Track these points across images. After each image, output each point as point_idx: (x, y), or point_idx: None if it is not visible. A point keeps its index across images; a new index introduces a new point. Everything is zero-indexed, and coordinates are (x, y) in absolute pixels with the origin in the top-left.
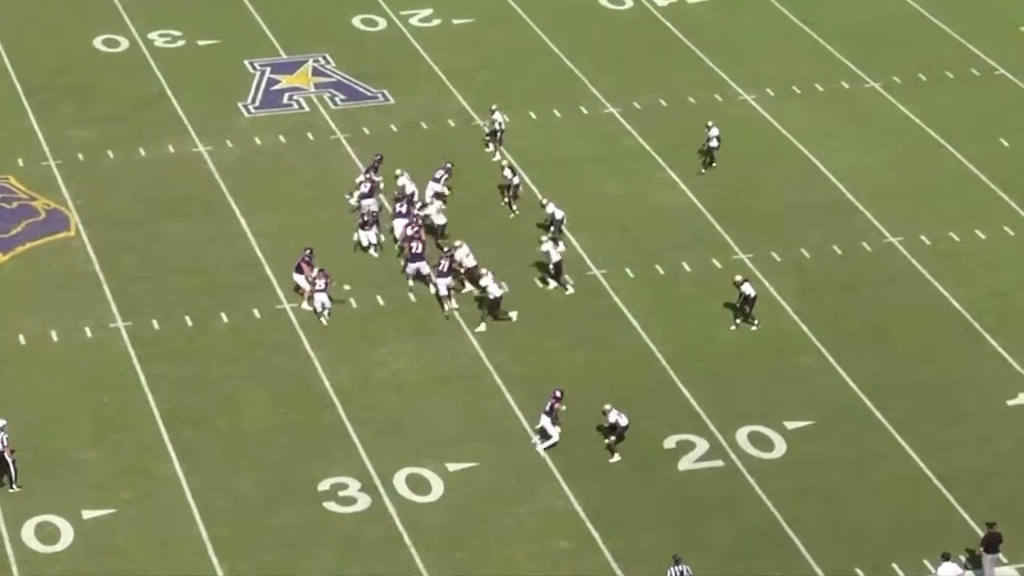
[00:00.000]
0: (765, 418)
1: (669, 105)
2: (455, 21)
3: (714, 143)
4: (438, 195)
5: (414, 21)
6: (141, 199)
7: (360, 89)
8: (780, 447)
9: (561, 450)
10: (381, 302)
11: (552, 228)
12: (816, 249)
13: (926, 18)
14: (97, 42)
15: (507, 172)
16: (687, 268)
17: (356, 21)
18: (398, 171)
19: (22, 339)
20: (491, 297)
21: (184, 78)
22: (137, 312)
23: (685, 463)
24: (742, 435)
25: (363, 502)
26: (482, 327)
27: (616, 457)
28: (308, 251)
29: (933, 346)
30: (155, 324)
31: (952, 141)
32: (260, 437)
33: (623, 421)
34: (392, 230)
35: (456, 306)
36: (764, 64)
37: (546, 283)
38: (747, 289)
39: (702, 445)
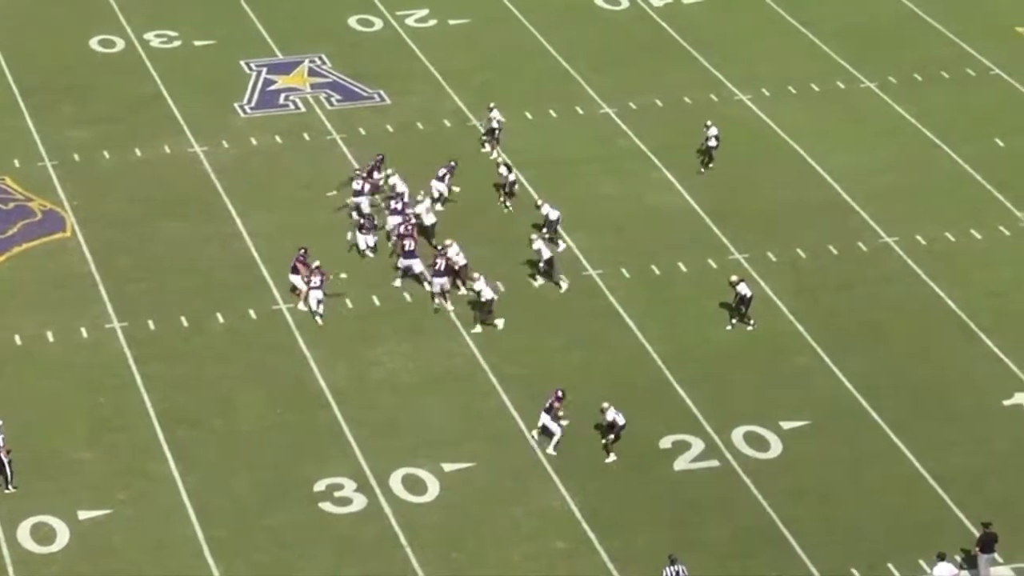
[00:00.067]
0: (761, 418)
1: (665, 105)
2: (451, 21)
3: (713, 142)
4: (441, 194)
5: (410, 21)
6: (137, 200)
7: (356, 89)
8: (776, 447)
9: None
10: (377, 302)
11: (546, 229)
12: (812, 249)
13: (922, 18)
14: (93, 42)
15: (502, 170)
16: (683, 268)
17: (352, 21)
18: (389, 171)
19: (18, 339)
20: (483, 299)
21: (180, 78)
22: (133, 313)
23: (681, 463)
24: (738, 435)
25: (359, 502)
26: (478, 328)
27: (612, 457)
28: (303, 251)
29: (929, 346)
30: (151, 324)
31: (948, 141)
32: (256, 437)
33: (621, 420)
34: (386, 226)
35: (451, 307)
36: (760, 64)
37: (534, 279)
38: (743, 289)
39: (698, 445)
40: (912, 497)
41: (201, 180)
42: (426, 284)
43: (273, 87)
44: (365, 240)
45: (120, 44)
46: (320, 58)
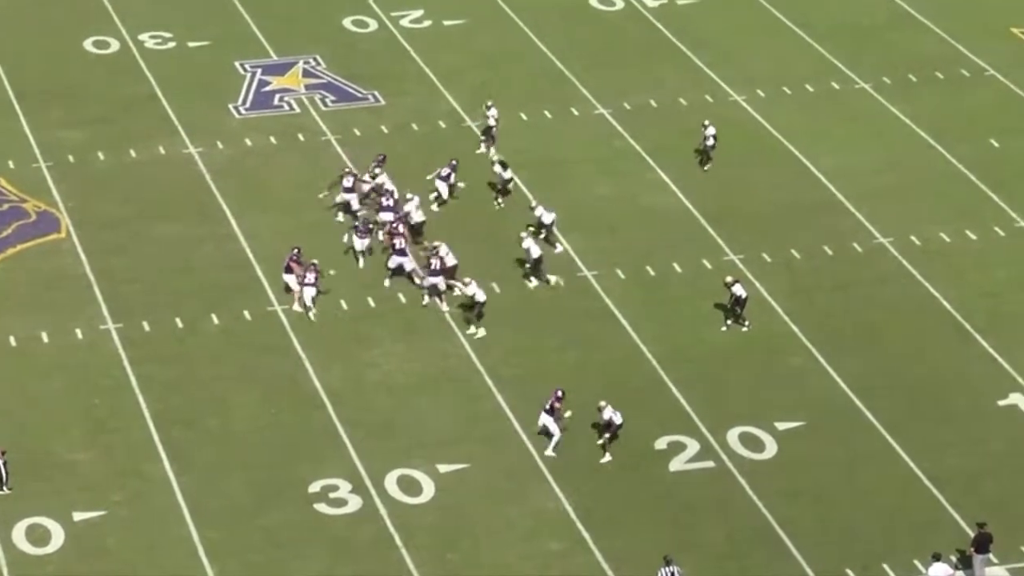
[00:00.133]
0: (756, 419)
1: (659, 106)
2: (446, 22)
3: (711, 142)
4: (440, 195)
5: (405, 22)
6: (131, 200)
7: (351, 90)
8: (771, 448)
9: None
10: (372, 303)
11: (541, 229)
12: (807, 250)
13: (916, 19)
14: (87, 43)
15: (497, 167)
16: (678, 269)
17: (347, 22)
18: (378, 169)
19: (13, 341)
20: (477, 302)
21: (175, 79)
22: (128, 313)
23: (676, 464)
24: (733, 436)
25: (354, 503)
26: (472, 330)
27: (607, 457)
28: (296, 250)
29: (923, 347)
30: (146, 325)
31: (942, 141)
32: (251, 438)
33: (617, 419)
34: (378, 222)
35: (446, 307)
36: (754, 65)
37: (528, 280)
38: (738, 290)
39: (693, 446)
40: (907, 497)
41: (196, 181)
42: (417, 280)
43: (268, 88)
44: (361, 243)
45: (115, 45)
46: (315, 59)
